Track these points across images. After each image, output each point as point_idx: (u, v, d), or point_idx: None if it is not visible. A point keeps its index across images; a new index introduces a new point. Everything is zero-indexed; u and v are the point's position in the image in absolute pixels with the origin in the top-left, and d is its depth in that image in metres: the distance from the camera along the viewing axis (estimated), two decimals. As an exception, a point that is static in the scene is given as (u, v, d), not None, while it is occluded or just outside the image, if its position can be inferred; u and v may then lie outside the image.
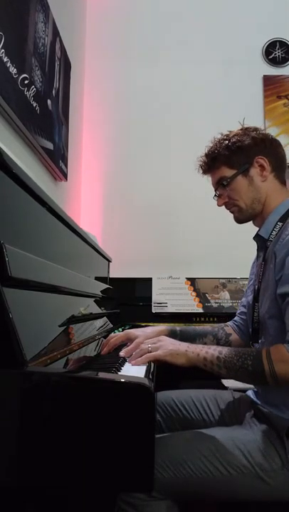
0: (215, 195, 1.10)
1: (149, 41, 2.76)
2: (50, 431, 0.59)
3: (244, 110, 2.71)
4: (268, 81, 2.76)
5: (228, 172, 1.05)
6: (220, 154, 1.05)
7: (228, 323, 1.27)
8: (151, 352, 0.93)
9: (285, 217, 1.01)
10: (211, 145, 1.08)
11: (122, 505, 0.84)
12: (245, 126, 1.09)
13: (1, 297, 0.61)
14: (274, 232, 1.00)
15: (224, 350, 0.90)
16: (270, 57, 2.78)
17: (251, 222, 1.11)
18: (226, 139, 1.06)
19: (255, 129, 1.07)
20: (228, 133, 1.08)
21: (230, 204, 1.08)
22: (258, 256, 1.12)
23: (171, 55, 2.75)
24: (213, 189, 1.12)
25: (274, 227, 1.00)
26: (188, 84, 2.72)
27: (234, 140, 1.04)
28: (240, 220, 1.09)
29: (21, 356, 0.60)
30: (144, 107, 2.71)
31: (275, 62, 2.77)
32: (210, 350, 0.91)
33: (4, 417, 0.59)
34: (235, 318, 1.26)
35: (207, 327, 1.25)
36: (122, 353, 0.99)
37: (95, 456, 0.60)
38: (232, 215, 1.11)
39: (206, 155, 1.08)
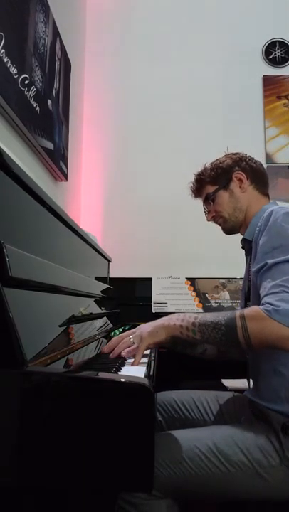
0: (204, 211, 1.22)
1: (149, 41, 2.76)
2: (50, 431, 0.60)
3: (244, 110, 2.74)
4: (268, 81, 2.76)
5: (211, 189, 1.17)
6: (204, 176, 1.18)
7: None
8: (134, 343, 0.96)
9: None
10: (199, 171, 1.21)
11: (122, 504, 0.84)
12: (228, 152, 1.22)
13: (1, 297, 0.61)
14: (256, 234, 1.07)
15: (200, 316, 0.92)
16: (270, 57, 2.78)
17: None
18: (209, 164, 1.20)
19: (236, 153, 1.20)
20: (212, 161, 1.21)
21: (216, 217, 1.18)
22: (246, 261, 1.17)
23: (171, 55, 2.75)
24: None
25: (256, 230, 1.07)
26: (188, 84, 2.72)
27: (215, 163, 1.18)
28: (226, 230, 1.18)
29: (21, 356, 0.60)
30: (144, 106, 2.71)
31: (274, 62, 2.78)
32: (186, 317, 0.93)
33: (4, 417, 0.59)
34: None
35: None
36: (104, 349, 1.00)
37: (95, 456, 0.60)
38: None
39: (194, 179, 1.22)
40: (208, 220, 1.21)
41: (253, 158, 1.19)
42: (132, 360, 0.98)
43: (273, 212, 0.98)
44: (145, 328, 0.96)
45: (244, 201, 1.13)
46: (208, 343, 0.91)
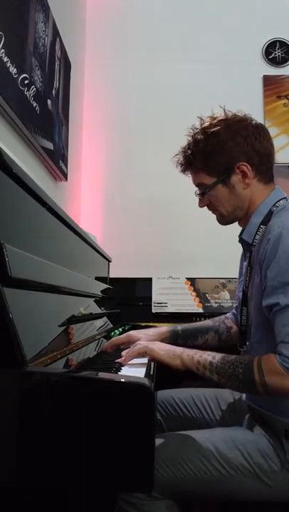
0: (196, 193, 1.05)
1: (148, 41, 2.76)
2: (50, 431, 0.59)
3: (244, 110, 2.73)
4: (268, 81, 2.75)
5: (207, 179, 0.98)
6: (196, 159, 0.98)
7: (228, 315, 1.27)
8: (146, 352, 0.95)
9: (267, 218, 0.97)
10: (187, 142, 1.00)
11: (122, 505, 0.84)
12: (227, 116, 0.99)
13: (1, 297, 0.61)
14: (257, 236, 0.97)
15: (217, 356, 0.90)
16: (270, 57, 2.77)
17: None
18: (202, 138, 0.97)
19: (238, 121, 0.96)
20: (206, 124, 0.98)
21: (211, 207, 1.04)
22: (245, 256, 1.09)
23: (171, 54, 2.75)
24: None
25: (257, 231, 0.98)
26: (188, 83, 2.72)
27: (212, 141, 0.95)
28: (222, 224, 1.07)
29: (21, 356, 0.60)
30: (144, 106, 2.71)
31: (275, 62, 2.77)
32: (204, 355, 0.92)
33: (4, 417, 0.59)
34: (234, 310, 1.26)
35: (208, 322, 1.26)
36: (119, 360, 0.97)
37: (95, 457, 0.60)
38: None
39: (183, 155, 1.02)
40: (200, 207, 1.06)
41: (258, 126, 0.98)
42: (135, 362, 0.97)
43: (282, 237, 0.86)
44: (163, 345, 0.97)
45: (246, 199, 0.98)
46: (224, 385, 0.91)
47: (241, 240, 1.05)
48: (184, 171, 1.05)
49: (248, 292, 1.03)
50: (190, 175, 1.05)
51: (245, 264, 1.08)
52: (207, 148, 0.96)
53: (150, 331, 1.16)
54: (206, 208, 1.08)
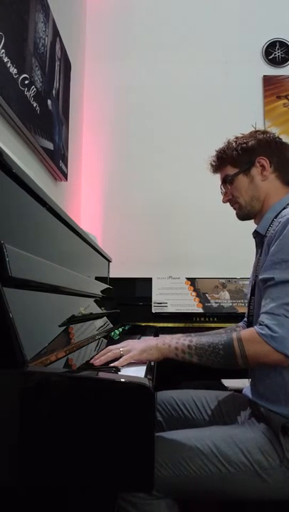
0: (221, 192, 1.17)
1: (149, 41, 2.76)
2: (50, 431, 0.60)
3: (244, 110, 2.74)
4: (268, 81, 2.75)
5: (231, 170, 1.11)
6: (226, 155, 1.12)
7: (240, 324, 1.30)
8: (122, 355, 0.93)
9: (279, 214, 1.04)
10: (222, 146, 1.15)
11: (122, 504, 0.84)
12: (257, 129, 1.15)
13: (1, 297, 0.61)
14: (270, 229, 1.04)
15: (195, 339, 0.92)
16: (270, 57, 2.78)
17: (253, 221, 1.15)
18: (234, 141, 1.13)
19: (264, 132, 1.13)
20: (240, 135, 1.14)
21: (232, 201, 1.14)
22: (256, 253, 1.15)
23: (171, 55, 2.75)
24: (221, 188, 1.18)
25: (270, 224, 1.05)
26: (188, 84, 2.72)
27: (240, 142, 1.11)
28: (240, 217, 1.15)
29: (21, 356, 0.60)
30: (144, 106, 2.71)
31: (274, 62, 2.77)
32: (180, 340, 0.93)
33: (4, 417, 0.59)
34: (245, 318, 1.27)
35: (220, 331, 1.27)
36: (93, 361, 0.93)
37: (95, 456, 0.60)
38: (234, 213, 1.17)
39: (216, 155, 1.16)
40: (223, 202, 1.16)
41: (281, 142, 1.12)
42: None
43: None
44: (137, 344, 0.96)
45: (263, 190, 1.08)
46: (204, 365, 0.91)
47: (255, 233, 1.11)
48: (215, 169, 1.17)
49: (257, 281, 1.04)
50: (219, 174, 1.17)
51: (255, 259, 1.13)
52: (235, 146, 1.11)
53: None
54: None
